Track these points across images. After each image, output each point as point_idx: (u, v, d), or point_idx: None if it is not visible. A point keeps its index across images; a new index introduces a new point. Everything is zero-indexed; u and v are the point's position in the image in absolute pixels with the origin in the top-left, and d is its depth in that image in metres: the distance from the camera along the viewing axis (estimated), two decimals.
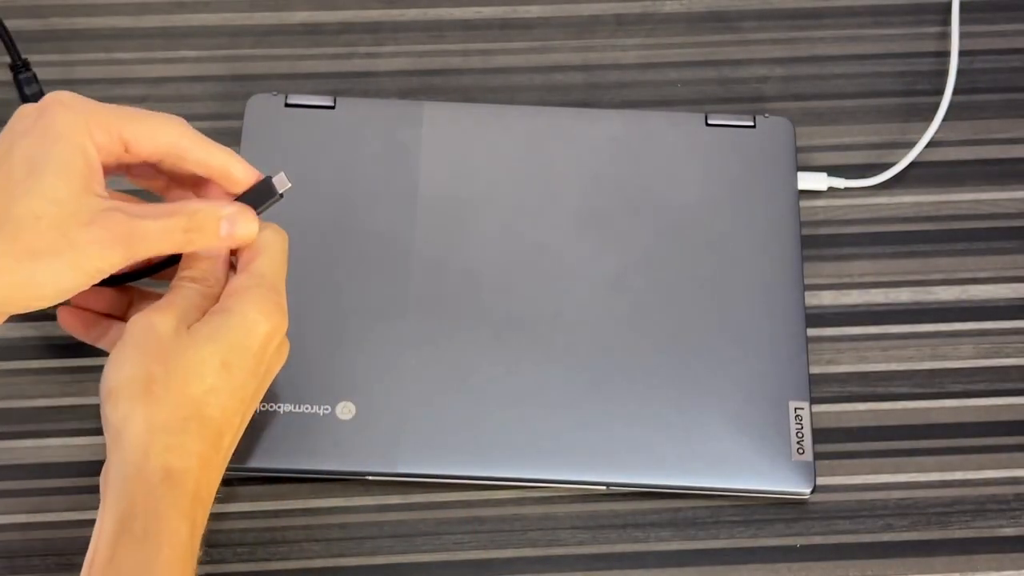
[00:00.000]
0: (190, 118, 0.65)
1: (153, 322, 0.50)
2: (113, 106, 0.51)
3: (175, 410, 0.50)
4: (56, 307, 0.52)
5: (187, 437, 0.50)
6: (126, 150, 0.51)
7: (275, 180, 0.53)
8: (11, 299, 0.48)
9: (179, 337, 0.50)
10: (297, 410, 0.61)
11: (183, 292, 0.52)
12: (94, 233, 0.48)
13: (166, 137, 0.51)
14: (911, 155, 0.69)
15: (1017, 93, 0.72)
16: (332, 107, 0.68)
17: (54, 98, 0.50)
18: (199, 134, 0.52)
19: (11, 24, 0.67)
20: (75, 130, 0.49)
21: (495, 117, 0.68)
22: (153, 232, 0.49)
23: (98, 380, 0.63)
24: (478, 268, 0.64)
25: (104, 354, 0.54)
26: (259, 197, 0.52)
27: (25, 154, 0.48)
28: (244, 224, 0.51)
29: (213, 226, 0.51)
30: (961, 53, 0.71)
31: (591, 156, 0.67)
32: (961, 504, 0.62)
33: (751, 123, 0.68)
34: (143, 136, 0.51)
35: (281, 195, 0.53)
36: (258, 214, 0.52)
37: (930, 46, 0.73)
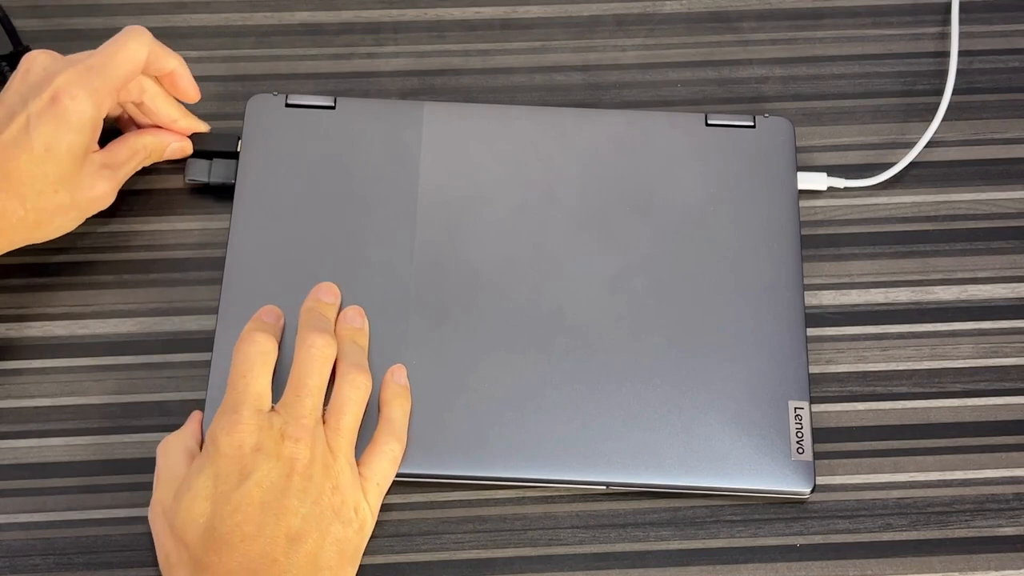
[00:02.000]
0: None
1: None
2: (121, 78, 0.61)
3: None
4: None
5: None
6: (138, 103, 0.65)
7: (238, 143, 0.67)
8: (24, 243, 0.62)
9: None
10: None
11: None
12: (94, 192, 0.62)
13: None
14: (910, 155, 0.69)
15: (1017, 93, 0.72)
16: (332, 107, 0.68)
17: (62, 88, 0.60)
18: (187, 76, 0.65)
19: (14, 24, 0.67)
20: (83, 122, 0.60)
21: (495, 117, 0.68)
22: (128, 171, 0.65)
23: (98, 379, 0.63)
24: (478, 268, 0.64)
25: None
26: (216, 139, 0.67)
27: (44, 141, 0.59)
28: (181, 146, 0.67)
29: (161, 150, 0.66)
30: (961, 53, 0.71)
31: (591, 156, 0.67)
32: (960, 503, 0.62)
33: (751, 123, 0.68)
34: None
35: (236, 152, 0.67)
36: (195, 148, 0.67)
37: (930, 46, 0.73)
